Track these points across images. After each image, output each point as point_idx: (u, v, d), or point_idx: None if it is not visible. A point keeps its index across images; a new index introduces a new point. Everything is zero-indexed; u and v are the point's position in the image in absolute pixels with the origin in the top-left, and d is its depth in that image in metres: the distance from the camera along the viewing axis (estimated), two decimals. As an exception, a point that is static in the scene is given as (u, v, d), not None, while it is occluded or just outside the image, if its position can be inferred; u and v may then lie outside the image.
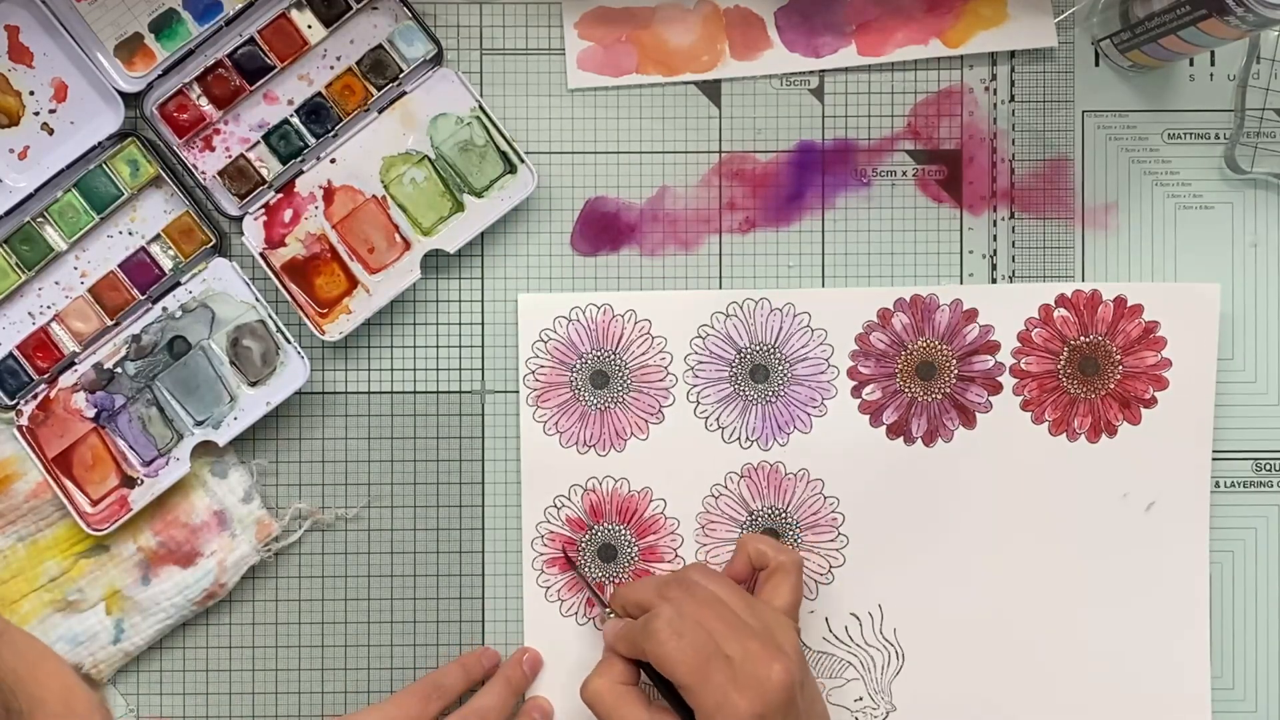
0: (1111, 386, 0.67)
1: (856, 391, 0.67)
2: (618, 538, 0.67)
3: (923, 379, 0.67)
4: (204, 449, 0.66)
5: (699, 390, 0.67)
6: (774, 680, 0.57)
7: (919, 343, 0.67)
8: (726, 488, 0.67)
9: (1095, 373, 0.67)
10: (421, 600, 0.68)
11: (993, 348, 0.67)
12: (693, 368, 0.67)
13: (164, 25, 0.65)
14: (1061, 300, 0.67)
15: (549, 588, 0.67)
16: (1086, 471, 0.67)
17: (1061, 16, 0.68)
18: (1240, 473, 0.68)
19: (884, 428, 0.67)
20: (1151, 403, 0.67)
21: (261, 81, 0.66)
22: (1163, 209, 0.69)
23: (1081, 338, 0.67)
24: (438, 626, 0.68)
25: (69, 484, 0.65)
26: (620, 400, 0.67)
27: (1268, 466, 0.69)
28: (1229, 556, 0.68)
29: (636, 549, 0.67)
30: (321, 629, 0.68)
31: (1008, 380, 0.67)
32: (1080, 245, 0.68)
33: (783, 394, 0.67)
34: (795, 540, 0.67)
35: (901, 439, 0.67)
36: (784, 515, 0.67)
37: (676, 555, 0.67)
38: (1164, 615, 0.67)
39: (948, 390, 0.67)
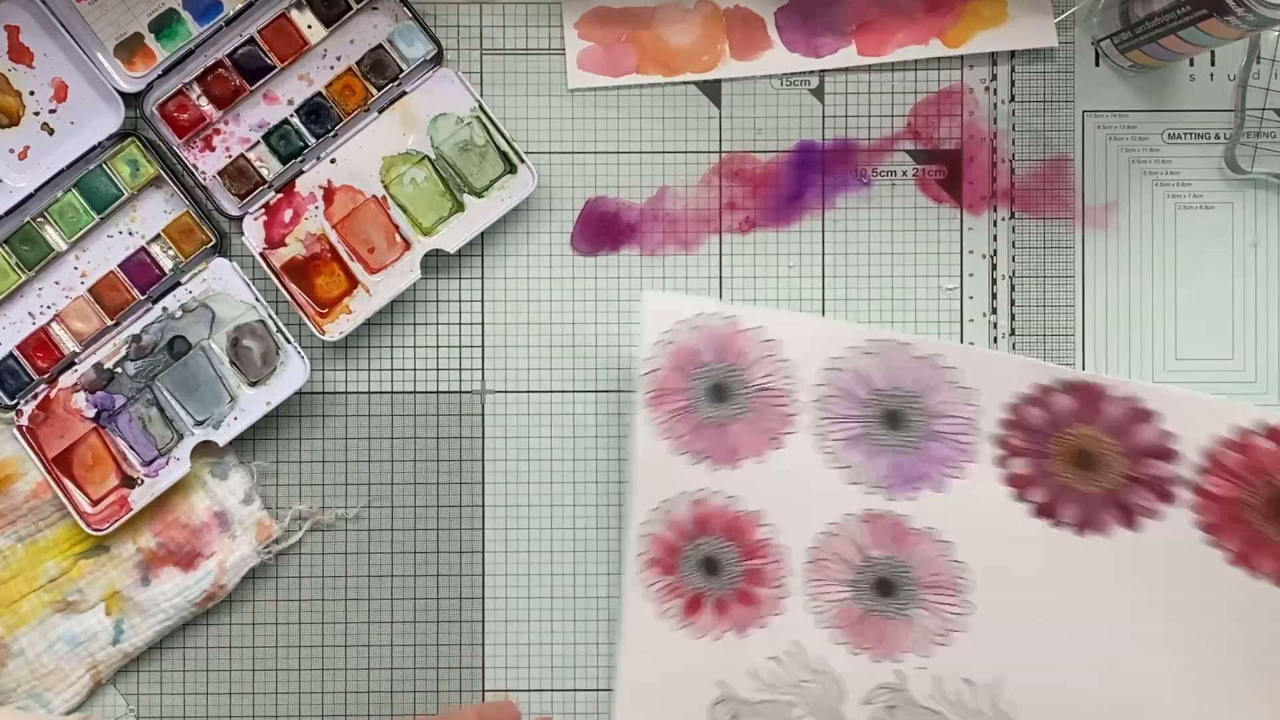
0: None
1: (1003, 461, 0.64)
2: (723, 553, 0.65)
3: (1080, 468, 0.63)
4: (204, 449, 0.66)
5: (825, 424, 0.64)
6: None
7: (1079, 429, 0.64)
8: (844, 528, 0.65)
9: None
10: (421, 600, 0.68)
11: (1169, 455, 0.63)
12: (821, 399, 0.64)
13: (164, 25, 0.65)
14: (1273, 434, 0.62)
15: (650, 585, 0.65)
16: (1265, 615, 0.62)
17: (1061, 16, 0.68)
18: (1240, 473, 0.68)
19: (1031, 505, 0.64)
20: None
21: (261, 81, 0.66)
22: (1163, 209, 0.69)
23: None
24: (438, 626, 0.68)
25: (69, 484, 0.65)
26: (738, 418, 0.65)
27: (1268, 466, 0.68)
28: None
29: (740, 569, 0.65)
30: (321, 629, 0.68)
31: (1184, 495, 0.63)
32: (1080, 245, 0.68)
33: (918, 446, 0.64)
34: (912, 596, 0.64)
35: (1049, 520, 0.64)
36: (904, 570, 0.64)
37: (783, 584, 0.65)
38: None
39: (1110, 486, 0.63)
